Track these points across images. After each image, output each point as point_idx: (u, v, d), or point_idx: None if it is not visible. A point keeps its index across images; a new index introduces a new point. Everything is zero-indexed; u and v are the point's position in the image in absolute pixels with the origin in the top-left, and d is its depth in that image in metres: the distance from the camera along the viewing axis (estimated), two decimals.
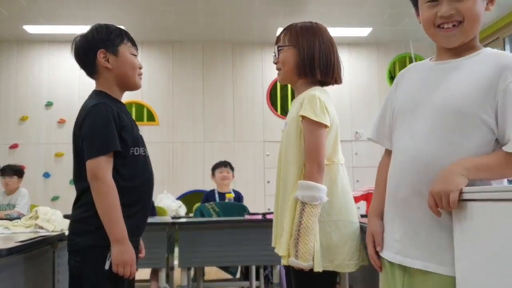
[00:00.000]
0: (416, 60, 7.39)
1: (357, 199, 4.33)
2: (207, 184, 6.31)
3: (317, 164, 1.70)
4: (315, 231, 1.65)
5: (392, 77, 7.70)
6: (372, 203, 1.55)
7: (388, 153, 1.52)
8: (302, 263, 1.64)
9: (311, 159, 1.71)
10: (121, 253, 1.63)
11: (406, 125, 1.38)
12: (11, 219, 2.87)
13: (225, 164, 4.63)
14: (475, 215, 1.12)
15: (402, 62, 7.64)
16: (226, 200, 4.28)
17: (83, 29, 1.88)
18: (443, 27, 1.34)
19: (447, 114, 1.28)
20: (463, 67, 1.32)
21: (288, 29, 1.89)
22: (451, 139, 1.26)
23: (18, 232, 2.19)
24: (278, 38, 1.92)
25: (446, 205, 1.16)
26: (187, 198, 6.59)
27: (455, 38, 1.33)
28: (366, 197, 4.37)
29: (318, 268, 1.65)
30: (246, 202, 4.54)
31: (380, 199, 1.48)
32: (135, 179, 1.75)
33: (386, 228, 1.43)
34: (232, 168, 4.69)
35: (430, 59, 1.46)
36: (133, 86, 1.88)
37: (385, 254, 1.41)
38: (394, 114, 1.46)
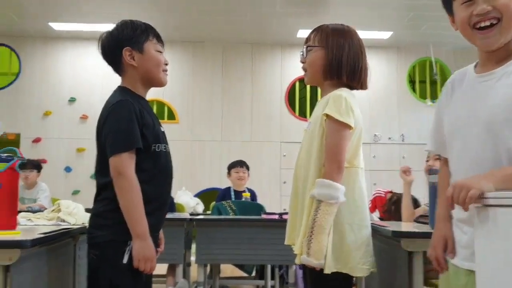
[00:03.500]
0: (436, 65, 7.32)
1: (371, 210, 4.32)
2: (224, 182, 6.33)
3: (337, 165, 1.69)
4: (328, 230, 1.64)
5: (411, 81, 7.64)
6: (439, 208, 1.52)
7: (446, 161, 1.51)
8: (313, 261, 1.63)
9: (331, 158, 1.70)
10: (142, 249, 1.66)
11: (461, 137, 1.36)
12: (33, 212, 2.92)
13: (241, 164, 4.63)
14: (497, 220, 1.12)
15: (422, 66, 7.57)
16: (243, 199, 4.31)
17: (106, 26, 1.88)
18: (480, 27, 1.31)
19: (499, 125, 1.26)
20: (505, 76, 1.30)
21: (319, 30, 1.87)
22: (507, 146, 1.25)
23: (40, 224, 2.23)
24: (308, 37, 1.90)
25: (462, 199, 1.15)
26: (204, 195, 6.64)
27: (494, 39, 1.30)
28: (374, 201, 4.37)
29: (328, 270, 1.64)
30: (261, 202, 4.56)
31: (446, 205, 1.47)
32: (156, 176, 1.78)
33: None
34: (247, 168, 4.70)
35: (475, 66, 1.43)
36: (158, 83, 1.88)
37: (453, 260, 1.39)
38: (447, 126, 1.44)
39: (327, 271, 1.64)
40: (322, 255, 1.62)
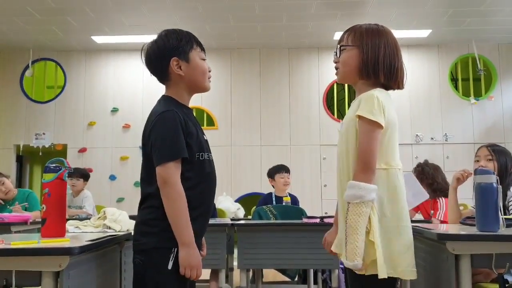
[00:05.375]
0: (480, 61, 7.10)
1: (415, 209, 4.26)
2: (264, 187, 6.36)
3: (364, 164, 1.67)
4: (361, 230, 1.62)
5: (453, 79, 7.43)
6: None
7: None
8: (348, 263, 1.63)
9: (360, 159, 1.68)
10: (188, 256, 1.68)
11: None
12: (81, 219, 3.02)
13: (286, 169, 4.56)
14: None
15: (465, 63, 7.36)
16: (284, 203, 4.30)
17: (146, 38, 1.92)
18: None
19: None
20: None
21: (352, 30, 1.85)
22: None
23: (88, 232, 2.29)
24: (342, 38, 1.88)
25: None
26: (244, 200, 6.67)
27: None
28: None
29: (383, 275, 1.61)
30: (303, 205, 4.54)
31: None
32: (200, 183, 1.80)
33: None
34: (289, 172, 4.66)
35: None
36: (203, 90, 1.91)
37: None
38: None
39: (382, 276, 1.61)
40: (356, 256, 1.61)
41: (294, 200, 4.63)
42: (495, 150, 2.60)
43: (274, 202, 4.53)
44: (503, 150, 2.63)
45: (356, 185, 1.65)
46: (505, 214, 2.28)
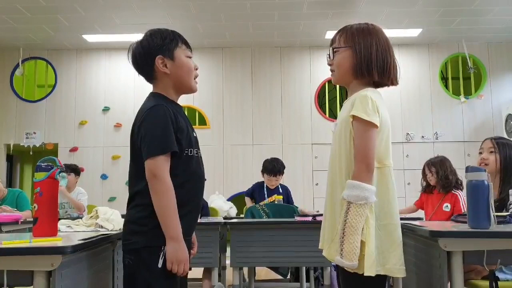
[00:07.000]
0: (469, 60, 7.15)
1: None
2: None
3: (365, 165, 1.67)
4: (360, 231, 1.63)
5: (444, 78, 7.48)
6: None
7: None
8: (346, 262, 1.63)
9: (359, 159, 1.69)
10: (176, 251, 1.68)
11: None
12: (73, 219, 3.00)
13: (274, 173, 4.51)
14: None
15: (455, 62, 7.41)
16: (275, 201, 4.31)
17: (138, 36, 1.92)
18: None
19: None
20: None
21: (344, 31, 1.86)
22: None
23: (80, 231, 2.28)
24: (333, 39, 1.89)
25: None
26: (237, 199, 6.67)
27: None
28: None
29: (370, 273, 1.62)
30: (295, 204, 4.55)
31: None
32: (189, 179, 1.79)
33: None
34: (281, 172, 4.58)
35: None
36: (189, 90, 1.91)
37: None
38: None
39: (368, 273, 1.62)
40: (355, 256, 1.62)
41: (286, 191, 4.62)
42: (499, 143, 2.59)
43: (265, 192, 4.52)
44: (508, 143, 2.61)
45: (359, 185, 1.64)
46: (502, 211, 2.30)
